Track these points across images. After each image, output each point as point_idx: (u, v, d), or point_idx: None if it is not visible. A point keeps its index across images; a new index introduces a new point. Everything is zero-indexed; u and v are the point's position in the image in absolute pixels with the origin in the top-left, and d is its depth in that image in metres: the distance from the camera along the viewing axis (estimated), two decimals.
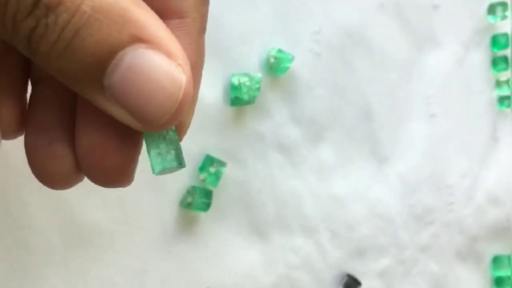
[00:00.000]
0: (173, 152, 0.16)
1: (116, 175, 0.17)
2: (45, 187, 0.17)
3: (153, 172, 0.16)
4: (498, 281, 0.40)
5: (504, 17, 0.36)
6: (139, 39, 0.14)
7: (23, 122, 0.17)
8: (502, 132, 0.39)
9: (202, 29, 0.17)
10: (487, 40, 0.38)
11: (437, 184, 0.37)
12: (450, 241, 0.38)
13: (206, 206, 0.30)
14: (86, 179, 0.18)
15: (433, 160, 0.37)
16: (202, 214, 0.31)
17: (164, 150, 0.16)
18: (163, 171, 0.16)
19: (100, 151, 0.16)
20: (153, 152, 0.16)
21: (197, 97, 0.18)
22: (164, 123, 0.15)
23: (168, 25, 0.15)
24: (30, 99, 0.18)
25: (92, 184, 0.17)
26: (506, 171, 0.40)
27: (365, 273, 0.35)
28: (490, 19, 0.37)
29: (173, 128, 0.16)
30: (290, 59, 0.31)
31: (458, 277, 0.39)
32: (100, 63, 0.14)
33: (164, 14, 0.16)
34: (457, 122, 0.38)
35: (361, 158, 0.35)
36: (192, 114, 0.18)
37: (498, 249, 0.40)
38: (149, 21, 0.14)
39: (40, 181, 0.17)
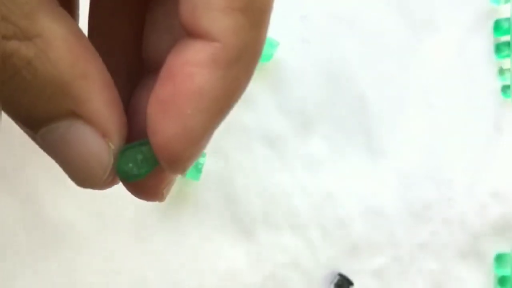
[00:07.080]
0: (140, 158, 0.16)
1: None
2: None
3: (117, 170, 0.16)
4: (502, 280, 0.38)
5: (507, 1, 0.34)
6: (76, 115, 0.14)
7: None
8: (506, 122, 0.37)
9: (236, 59, 0.14)
10: (489, 25, 0.35)
11: (436, 179, 0.36)
12: (451, 239, 0.36)
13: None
14: None
15: (432, 153, 0.35)
16: (182, 207, 0.29)
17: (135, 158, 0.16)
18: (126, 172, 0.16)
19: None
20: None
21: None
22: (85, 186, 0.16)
23: (187, 47, 0.14)
24: None
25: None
26: (510, 164, 0.37)
27: (358, 272, 0.34)
28: (493, 2, 0.35)
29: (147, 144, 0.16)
30: (275, 45, 0.29)
31: (459, 276, 0.37)
32: (33, 126, 0.15)
33: (187, 31, 0.14)
34: (458, 112, 0.36)
35: (355, 151, 0.33)
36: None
37: (501, 246, 0.38)
38: (90, 96, 0.14)
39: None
